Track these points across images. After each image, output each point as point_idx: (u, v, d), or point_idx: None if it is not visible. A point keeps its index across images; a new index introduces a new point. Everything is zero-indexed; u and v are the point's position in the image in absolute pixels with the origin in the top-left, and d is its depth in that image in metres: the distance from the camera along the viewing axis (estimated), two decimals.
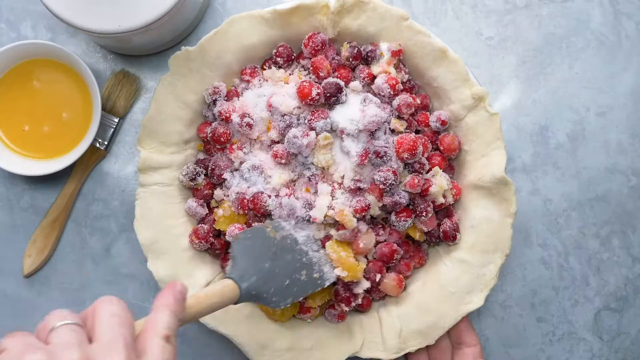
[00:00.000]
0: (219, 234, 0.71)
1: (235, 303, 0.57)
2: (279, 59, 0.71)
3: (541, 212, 0.79)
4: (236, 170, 0.70)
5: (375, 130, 0.68)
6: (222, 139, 0.70)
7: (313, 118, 0.67)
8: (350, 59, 0.71)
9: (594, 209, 0.79)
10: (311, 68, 0.70)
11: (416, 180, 0.67)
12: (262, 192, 0.67)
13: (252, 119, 0.69)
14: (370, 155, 0.67)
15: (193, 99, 0.71)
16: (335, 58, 0.72)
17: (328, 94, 0.68)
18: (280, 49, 0.71)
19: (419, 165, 0.69)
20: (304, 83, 0.68)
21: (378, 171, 0.66)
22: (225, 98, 0.71)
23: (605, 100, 0.80)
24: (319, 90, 0.67)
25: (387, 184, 0.66)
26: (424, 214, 0.69)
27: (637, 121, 0.80)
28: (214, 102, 0.71)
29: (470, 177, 0.71)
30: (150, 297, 0.77)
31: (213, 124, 0.70)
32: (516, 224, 0.70)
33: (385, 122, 0.68)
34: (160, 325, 0.45)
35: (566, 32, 0.80)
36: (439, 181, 0.68)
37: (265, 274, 0.60)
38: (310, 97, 0.67)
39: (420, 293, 0.71)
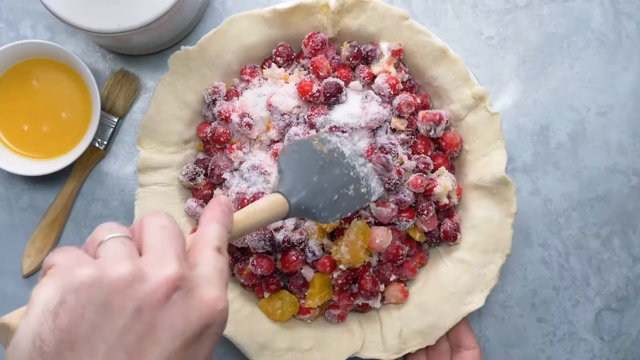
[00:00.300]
0: None
1: (284, 218, 0.56)
2: (278, 58, 0.71)
3: (541, 212, 0.79)
4: (236, 170, 0.70)
5: (377, 128, 0.68)
6: (221, 139, 0.69)
7: (313, 114, 0.67)
8: (351, 59, 0.70)
9: (595, 209, 0.79)
10: (311, 68, 0.70)
11: (419, 181, 0.67)
12: (262, 192, 0.67)
13: (252, 119, 0.69)
14: (375, 151, 0.67)
15: (193, 99, 0.71)
16: (335, 57, 0.72)
17: (328, 94, 0.68)
18: (280, 48, 0.71)
19: (423, 165, 0.69)
20: (305, 80, 0.68)
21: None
22: (225, 98, 0.71)
23: (606, 100, 0.80)
24: (319, 87, 0.67)
25: (392, 184, 0.66)
26: (425, 212, 0.68)
27: (638, 121, 0.80)
28: (214, 101, 0.71)
29: (471, 177, 0.71)
30: None
31: (213, 124, 0.70)
32: (516, 224, 0.70)
33: (386, 120, 0.68)
34: (210, 237, 0.44)
35: (567, 31, 0.80)
36: (444, 182, 0.68)
37: (314, 188, 0.58)
38: (310, 93, 0.67)
39: (420, 293, 0.71)
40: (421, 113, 0.69)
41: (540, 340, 0.78)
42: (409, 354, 0.71)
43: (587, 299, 0.79)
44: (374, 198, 0.63)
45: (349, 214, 0.61)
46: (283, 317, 0.70)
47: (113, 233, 0.41)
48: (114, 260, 0.39)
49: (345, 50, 0.71)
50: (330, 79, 0.68)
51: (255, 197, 0.67)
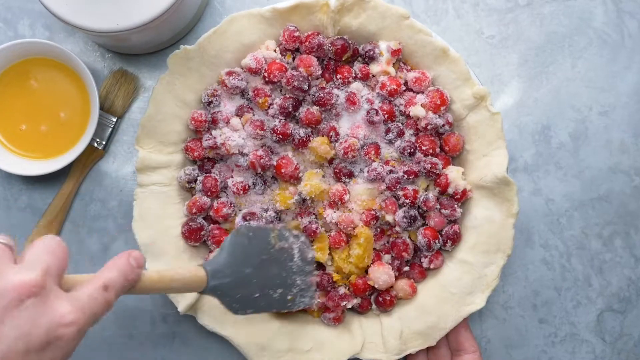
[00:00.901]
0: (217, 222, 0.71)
1: (199, 293, 0.57)
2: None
3: (543, 212, 0.78)
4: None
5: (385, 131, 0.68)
6: (213, 189, 0.70)
7: (284, 101, 0.68)
8: (337, 50, 0.69)
9: (596, 209, 0.79)
10: (298, 63, 0.70)
11: (412, 192, 0.68)
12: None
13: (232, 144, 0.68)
14: (380, 157, 0.67)
15: (192, 98, 0.71)
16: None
17: (294, 84, 0.67)
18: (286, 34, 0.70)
19: (430, 166, 0.68)
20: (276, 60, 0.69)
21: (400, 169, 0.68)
22: (212, 125, 0.70)
23: (608, 99, 0.80)
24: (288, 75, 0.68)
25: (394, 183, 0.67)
26: (450, 208, 0.69)
27: None
28: (209, 103, 0.70)
29: (472, 177, 0.70)
30: (149, 298, 0.76)
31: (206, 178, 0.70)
32: (518, 224, 0.69)
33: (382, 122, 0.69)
34: (103, 277, 0.46)
35: (568, 30, 0.80)
36: (452, 170, 0.69)
37: (240, 279, 0.59)
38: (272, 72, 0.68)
39: (421, 294, 0.71)
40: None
41: (542, 342, 0.78)
42: (410, 355, 0.71)
43: (589, 299, 0.78)
44: (294, 308, 0.64)
45: (263, 313, 0.62)
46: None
47: None
48: None
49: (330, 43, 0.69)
50: (295, 72, 0.68)
51: (249, 212, 0.67)
